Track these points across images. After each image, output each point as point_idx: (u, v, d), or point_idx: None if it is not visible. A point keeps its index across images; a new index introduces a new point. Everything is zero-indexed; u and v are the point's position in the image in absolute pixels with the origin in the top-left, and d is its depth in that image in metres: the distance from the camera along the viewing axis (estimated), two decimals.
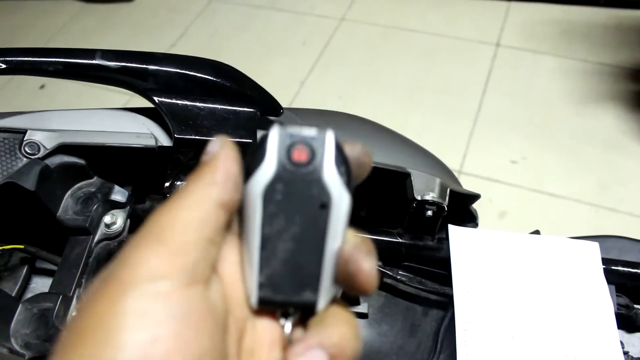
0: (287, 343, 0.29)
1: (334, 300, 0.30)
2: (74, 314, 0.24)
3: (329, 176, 0.28)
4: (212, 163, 0.28)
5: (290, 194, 0.28)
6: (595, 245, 0.63)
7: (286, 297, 0.29)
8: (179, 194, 0.28)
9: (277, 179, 0.28)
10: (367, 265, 0.28)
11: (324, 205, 0.28)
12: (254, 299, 0.29)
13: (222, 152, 0.29)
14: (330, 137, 0.29)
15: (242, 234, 0.30)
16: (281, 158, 0.28)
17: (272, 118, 0.63)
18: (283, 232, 0.28)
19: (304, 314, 0.30)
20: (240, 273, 0.30)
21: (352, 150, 0.30)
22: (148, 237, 0.26)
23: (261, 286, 0.29)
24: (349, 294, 0.30)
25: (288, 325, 0.29)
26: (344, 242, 0.29)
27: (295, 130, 0.29)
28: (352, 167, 0.29)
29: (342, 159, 0.29)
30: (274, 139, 0.28)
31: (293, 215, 0.28)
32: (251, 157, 0.29)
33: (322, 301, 0.29)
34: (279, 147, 0.28)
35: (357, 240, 0.29)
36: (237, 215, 0.30)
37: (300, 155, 0.28)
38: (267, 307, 0.29)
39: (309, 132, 0.29)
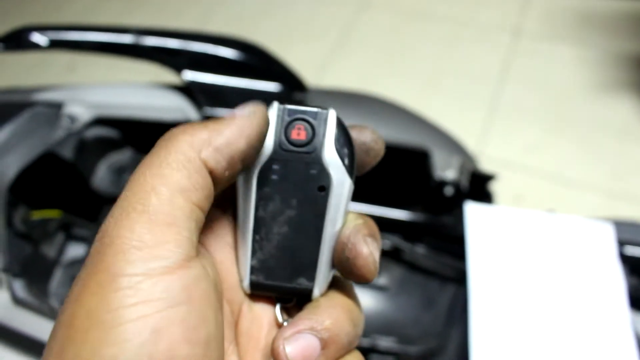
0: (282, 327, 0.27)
1: (331, 284, 0.29)
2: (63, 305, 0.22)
3: (329, 157, 0.26)
4: (222, 125, 0.24)
5: (288, 175, 0.26)
6: (610, 226, 0.64)
7: (280, 283, 0.28)
8: (163, 145, 0.23)
9: (273, 158, 0.26)
10: (366, 250, 0.26)
11: (323, 188, 0.26)
12: (245, 283, 0.28)
13: (240, 121, 0.25)
14: (332, 115, 0.26)
15: (237, 216, 0.28)
16: (279, 136, 0.26)
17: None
18: (278, 215, 0.27)
19: (300, 299, 0.29)
20: (234, 256, 0.28)
21: (360, 135, 0.28)
22: (132, 207, 0.22)
23: (253, 270, 0.28)
24: None
25: (282, 309, 0.29)
26: (342, 225, 0.27)
27: (295, 108, 0.26)
28: (359, 152, 0.28)
29: (344, 140, 0.26)
30: (272, 116, 0.26)
31: (289, 197, 0.27)
32: None
33: (318, 288, 0.28)
34: (277, 125, 0.26)
35: (358, 222, 0.27)
36: (230, 195, 0.29)
37: (299, 133, 0.26)
38: (260, 291, 0.28)
39: (310, 109, 0.26)
